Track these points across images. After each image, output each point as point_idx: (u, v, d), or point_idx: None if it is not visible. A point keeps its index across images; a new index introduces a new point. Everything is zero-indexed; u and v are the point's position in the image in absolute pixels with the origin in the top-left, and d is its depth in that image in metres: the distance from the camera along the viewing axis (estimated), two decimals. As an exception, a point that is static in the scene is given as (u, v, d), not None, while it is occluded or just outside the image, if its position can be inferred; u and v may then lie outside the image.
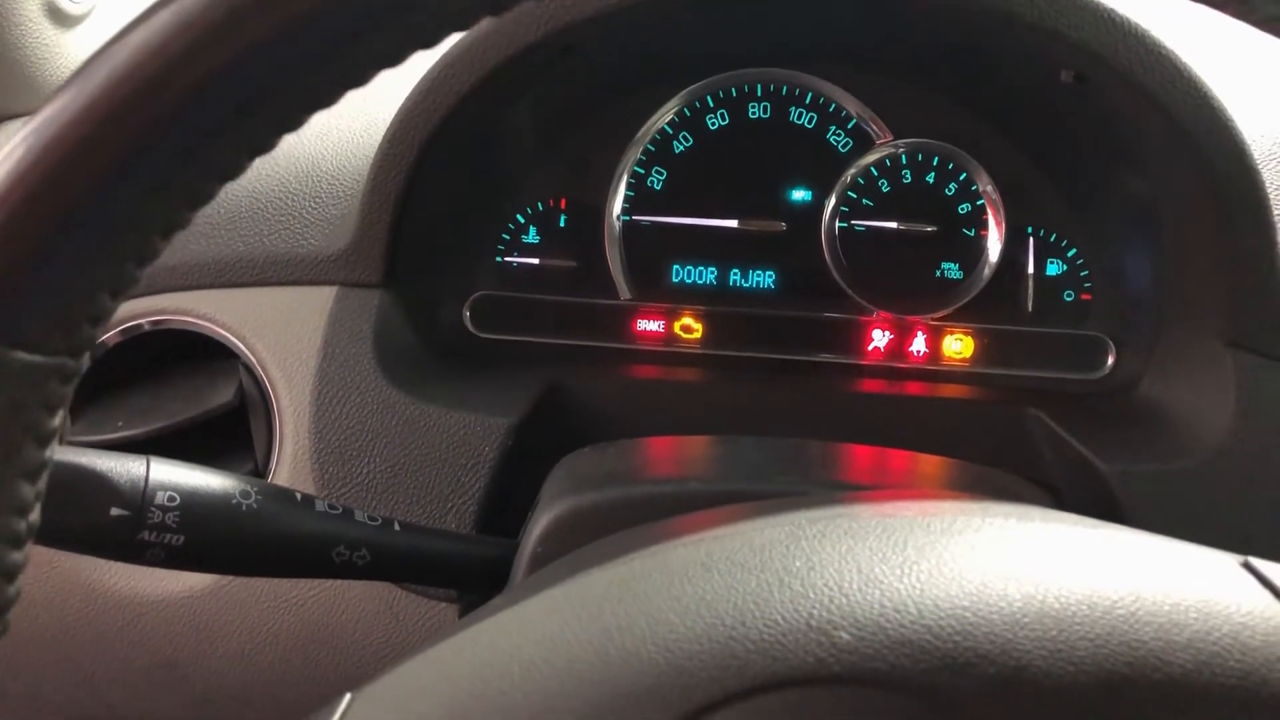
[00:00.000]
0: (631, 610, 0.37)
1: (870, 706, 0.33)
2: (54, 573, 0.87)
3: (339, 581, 0.84)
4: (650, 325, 1.00)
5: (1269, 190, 0.76)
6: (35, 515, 0.35)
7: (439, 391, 0.85)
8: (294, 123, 0.34)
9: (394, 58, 0.35)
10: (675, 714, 0.33)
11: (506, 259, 1.00)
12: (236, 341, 0.87)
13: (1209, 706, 0.33)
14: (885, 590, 0.36)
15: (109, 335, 0.88)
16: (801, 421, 0.91)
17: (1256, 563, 0.38)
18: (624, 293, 1.00)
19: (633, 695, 0.34)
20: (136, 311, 0.88)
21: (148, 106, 0.32)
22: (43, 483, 0.35)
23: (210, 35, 0.32)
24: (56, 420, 0.35)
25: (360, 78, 0.34)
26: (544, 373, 0.91)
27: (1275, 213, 0.77)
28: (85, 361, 0.35)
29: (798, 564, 0.38)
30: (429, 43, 0.35)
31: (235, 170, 0.35)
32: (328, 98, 0.34)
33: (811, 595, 0.36)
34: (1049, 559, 0.38)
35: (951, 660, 0.33)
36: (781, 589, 0.36)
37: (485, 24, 0.79)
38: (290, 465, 0.84)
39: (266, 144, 0.35)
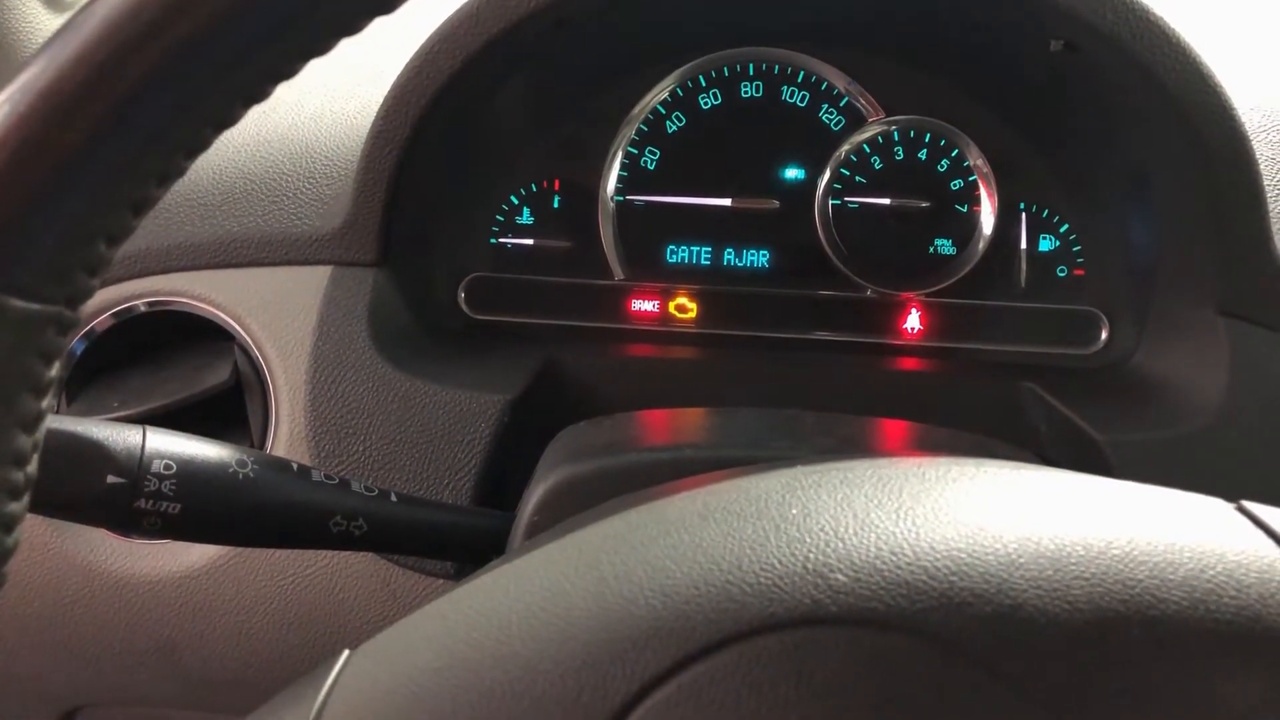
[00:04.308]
0: (628, 559, 0.37)
1: (867, 646, 0.33)
2: (50, 555, 0.86)
3: (336, 560, 0.84)
4: (645, 305, 1.00)
5: (1259, 159, 0.77)
6: (33, 467, 0.35)
7: (435, 369, 0.85)
8: (288, 70, 0.34)
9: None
10: (674, 657, 0.33)
11: (501, 240, 1.00)
12: (232, 322, 0.87)
13: (1203, 643, 0.33)
14: (881, 533, 0.36)
15: (104, 318, 0.88)
16: (795, 398, 0.90)
17: (1250, 506, 0.38)
18: (618, 273, 1.00)
19: (631, 640, 0.34)
20: (132, 293, 0.88)
21: (144, 53, 0.32)
22: (40, 433, 0.35)
23: None
24: (53, 371, 0.35)
25: (361, 20, 0.35)
26: (540, 351, 0.91)
27: (1266, 183, 0.78)
28: (81, 313, 0.35)
29: (794, 511, 0.38)
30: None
31: (231, 118, 0.35)
32: (323, 44, 0.34)
33: (808, 540, 0.36)
34: (1044, 503, 0.38)
35: (947, 600, 0.34)
36: (778, 534, 0.37)
37: None
38: (286, 444, 0.84)
39: (261, 93, 0.35)
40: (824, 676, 0.33)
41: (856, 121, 0.98)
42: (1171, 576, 0.34)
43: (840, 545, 0.36)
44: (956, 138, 0.96)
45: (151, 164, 0.34)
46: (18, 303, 0.33)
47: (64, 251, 0.33)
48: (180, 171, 0.35)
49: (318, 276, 0.86)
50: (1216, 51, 0.78)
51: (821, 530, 0.37)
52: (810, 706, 0.32)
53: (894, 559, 0.35)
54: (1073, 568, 0.34)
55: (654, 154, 1.00)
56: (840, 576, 0.34)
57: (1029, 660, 0.33)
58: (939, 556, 0.35)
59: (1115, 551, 0.35)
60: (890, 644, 0.33)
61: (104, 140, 0.32)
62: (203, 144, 0.34)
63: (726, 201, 0.99)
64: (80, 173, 0.32)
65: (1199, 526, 0.37)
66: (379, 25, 0.38)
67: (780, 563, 0.35)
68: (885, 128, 0.97)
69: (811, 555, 0.35)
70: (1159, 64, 0.75)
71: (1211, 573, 0.34)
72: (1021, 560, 0.35)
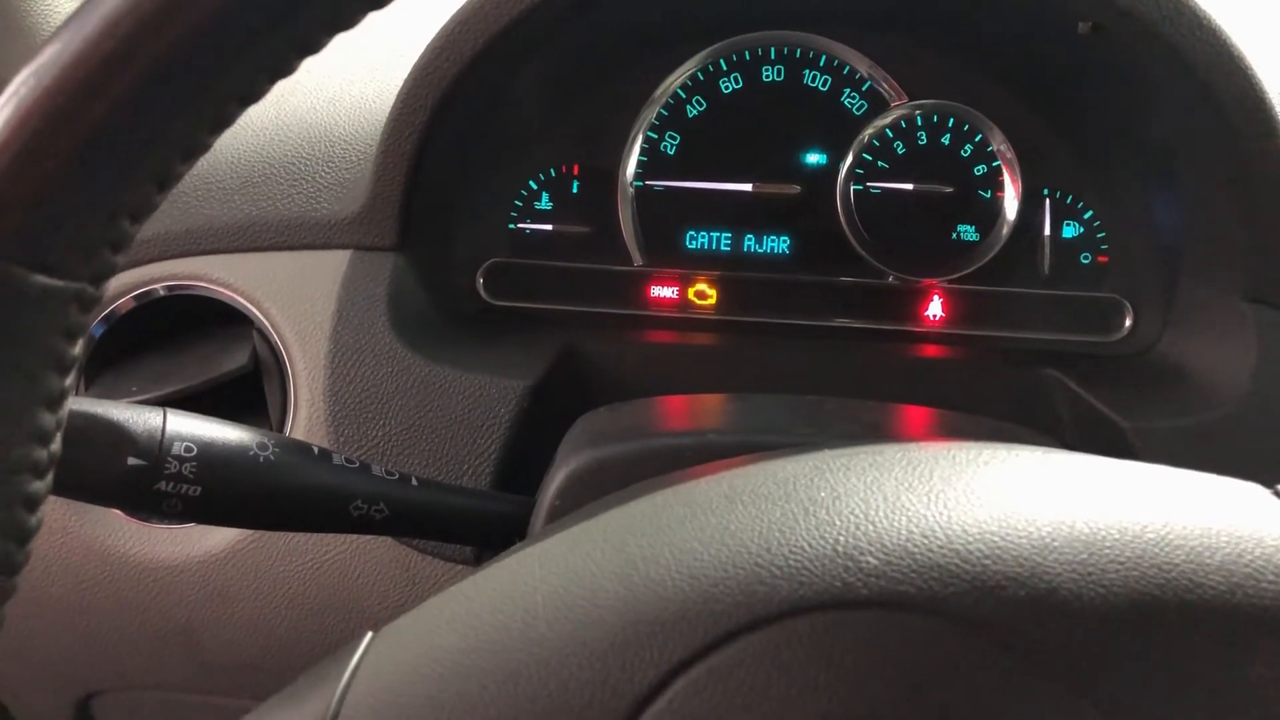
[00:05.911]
0: (656, 541, 0.37)
1: (898, 629, 0.33)
2: (69, 539, 0.86)
3: (355, 545, 0.83)
4: (664, 291, 1.00)
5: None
6: (56, 445, 0.35)
7: (454, 354, 0.84)
8: (314, 44, 0.34)
9: None
10: (703, 640, 0.33)
11: (519, 225, 1.00)
12: (250, 306, 0.87)
13: (1241, 628, 0.33)
14: (912, 516, 0.35)
15: (123, 301, 0.88)
16: (816, 385, 0.90)
17: None
18: (637, 259, 1.00)
19: (659, 623, 0.34)
20: (151, 277, 0.88)
21: (170, 25, 0.32)
22: (64, 412, 0.35)
23: None
24: (76, 349, 0.35)
25: None
26: (558, 337, 0.91)
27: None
28: (104, 291, 0.35)
29: (823, 494, 0.38)
30: None
31: (255, 94, 0.34)
32: (351, 16, 0.34)
33: (838, 523, 0.36)
34: (1077, 487, 0.38)
35: (980, 583, 0.33)
36: (807, 517, 0.36)
37: None
38: (305, 429, 0.84)
39: (286, 67, 0.34)
40: (854, 660, 0.32)
41: (879, 106, 0.97)
42: (1209, 561, 0.34)
43: (871, 528, 0.35)
44: (980, 122, 0.95)
45: (176, 138, 0.33)
46: (41, 279, 0.32)
47: (88, 227, 0.33)
48: (205, 147, 0.34)
49: (336, 261, 0.86)
50: (1247, 31, 0.77)
51: (851, 513, 0.36)
52: (840, 690, 0.32)
53: (925, 542, 0.34)
54: (1108, 551, 0.34)
55: (674, 139, 0.99)
56: (871, 559, 0.34)
57: (1063, 645, 0.32)
58: (971, 539, 0.34)
59: (1151, 535, 0.34)
60: (922, 627, 0.33)
61: (129, 114, 0.32)
62: (227, 118, 0.34)
63: (747, 187, 0.99)
64: (105, 147, 0.32)
65: (1235, 510, 0.36)
66: (399, 7, 0.37)
67: (810, 545, 0.35)
68: (908, 112, 0.96)
69: (841, 538, 0.35)
70: (1189, 45, 0.74)
71: (1249, 557, 0.34)
72: (1055, 544, 0.34)
